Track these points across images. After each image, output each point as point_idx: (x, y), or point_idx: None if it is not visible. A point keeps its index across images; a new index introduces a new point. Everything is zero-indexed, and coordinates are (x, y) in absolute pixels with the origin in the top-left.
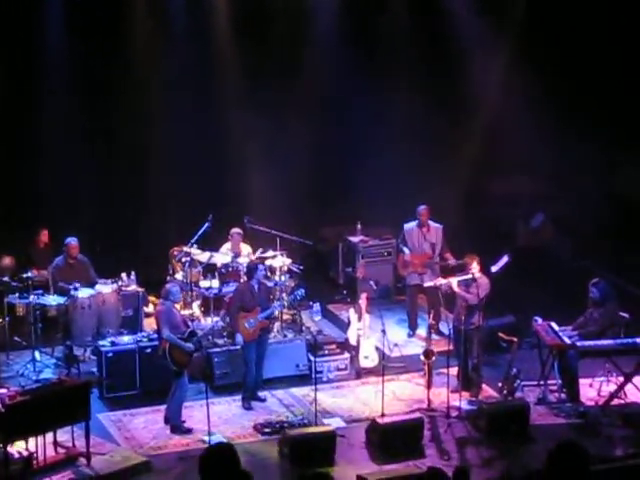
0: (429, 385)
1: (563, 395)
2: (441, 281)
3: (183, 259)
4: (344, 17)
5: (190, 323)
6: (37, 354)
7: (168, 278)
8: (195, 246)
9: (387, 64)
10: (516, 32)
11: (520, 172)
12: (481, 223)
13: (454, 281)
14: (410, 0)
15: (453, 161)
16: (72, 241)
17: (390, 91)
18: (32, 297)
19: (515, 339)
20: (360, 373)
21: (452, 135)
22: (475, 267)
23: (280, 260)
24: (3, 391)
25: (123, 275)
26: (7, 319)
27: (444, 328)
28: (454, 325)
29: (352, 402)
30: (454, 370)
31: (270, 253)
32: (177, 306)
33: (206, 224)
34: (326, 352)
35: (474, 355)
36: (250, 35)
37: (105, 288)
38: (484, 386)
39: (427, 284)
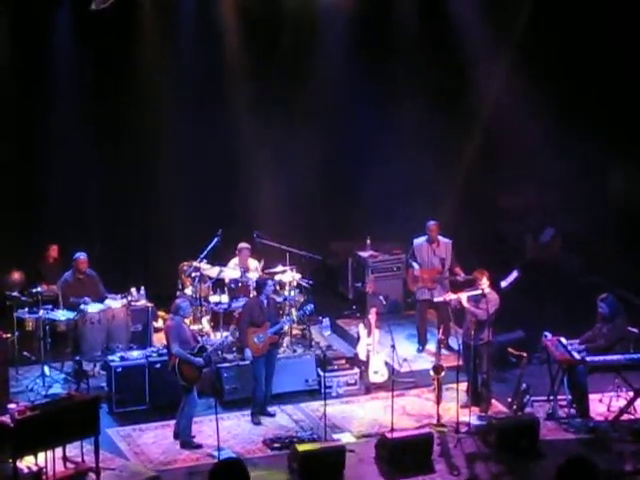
0: (439, 400)
1: (573, 410)
2: (451, 296)
3: (193, 274)
4: (352, 26)
5: (200, 338)
6: (46, 369)
7: (178, 293)
8: (205, 261)
9: (395, 76)
10: (522, 38)
11: (529, 185)
12: (490, 237)
13: (463, 296)
14: (417, 9)
15: (462, 175)
16: (81, 256)
17: (398, 105)
18: (41, 312)
19: (525, 354)
20: (370, 388)
21: (460, 149)
22: (485, 282)
23: (289, 275)
24: (13, 406)
25: (133, 290)
26: (17, 334)
27: (454, 343)
28: (464, 340)
29: (361, 417)
30: (463, 385)
31: (280, 268)
32: (187, 321)
33: (215, 239)
34: (335, 367)
35: (484, 370)
36: (258, 44)
37: (114, 303)
38: (494, 401)
39: (437, 299)
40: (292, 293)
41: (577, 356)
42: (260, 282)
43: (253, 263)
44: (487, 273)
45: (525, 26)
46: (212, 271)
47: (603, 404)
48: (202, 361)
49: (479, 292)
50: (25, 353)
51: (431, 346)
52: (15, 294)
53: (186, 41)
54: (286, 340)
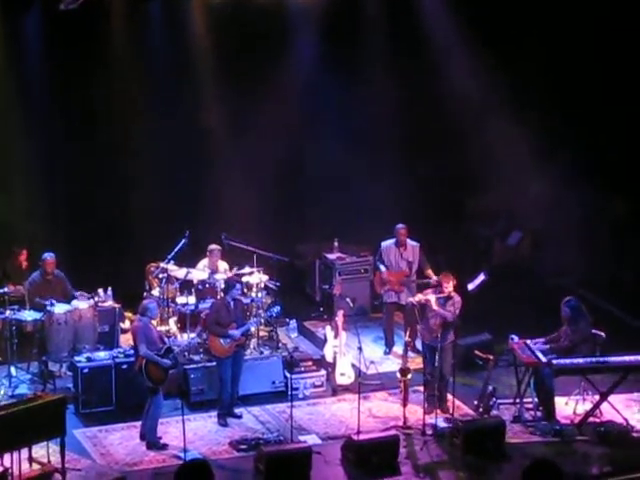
0: (405, 403)
1: (539, 413)
2: (419, 297)
3: (160, 275)
4: (321, 24)
5: (166, 339)
6: (13, 370)
7: (145, 294)
8: (172, 262)
9: (363, 74)
10: (495, 35)
11: (497, 188)
12: (458, 240)
13: (432, 298)
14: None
15: (430, 177)
16: (48, 256)
17: (368, 106)
18: (8, 312)
19: (491, 357)
20: (336, 390)
21: (429, 151)
22: (450, 285)
23: (257, 277)
24: None
25: (100, 291)
26: None
27: (420, 346)
28: (428, 344)
29: (328, 419)
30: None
31: (247, 270)
32: (153, 322)
33: (183, 240)
34: (302, 369)
35: (447, 371)
36: (226, 42)
37: (81, 304)
38: (460, 404)
39: (407, 300)
40: (259, 295)
41: (543, 359)
42: (229, 283)
43: (222, 265)
44: (452, 276)
45: (498, 23)
46: (179, 272)
47: (569, 407)
48: (169, 362)
49: (445, 295)
50: None
51: (398, 348)
52: None
53: (154, 39)
54: (253, 342)
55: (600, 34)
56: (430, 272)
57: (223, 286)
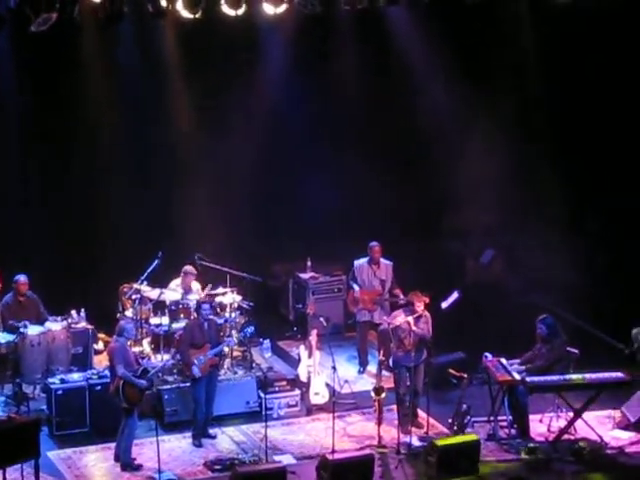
0: (379, 422)
1: (513, 431)
2: (399, 320)
3: (133, 296)
4: (292, 40)
5: (141, 360)
6: None
7: (118, 315)
8: (145, 283)
9: (337, 94)
10: (465, 58)
11: (470, 205)
12: (430, 257)
13: (411, 320)
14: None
15: (403, 195)
16: (21, 278)
17: (340, 123)
18: None
19: (465, 375)
20: (311, 410)
21: (402, 167)
22: (421, 305)
23: (230, 297)
24: None
25: (73, 312)
26: None
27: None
28: (401, 364)
29: (302, 439)
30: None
31: (220, 290)
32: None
33: (156, 261)
34: (276, 389)
35: (419, 387)
36: (197, 61)
37: (55, 325)
38: (434, 422)
39: (383, 327)
40: (233, 315)
41: (517, 377)
42: (197, 304)
43: (195, 285)
44: (422, 295)
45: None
46: (153, 293)
47: (543, 424)
48: (145, 383)
49: (418, 314)
50: None
51: (372, 367)
52: None
53: (126, 58)
54: (227, 362)
55: (583, 47)
56: (398, 291)
57: (195, 307)
